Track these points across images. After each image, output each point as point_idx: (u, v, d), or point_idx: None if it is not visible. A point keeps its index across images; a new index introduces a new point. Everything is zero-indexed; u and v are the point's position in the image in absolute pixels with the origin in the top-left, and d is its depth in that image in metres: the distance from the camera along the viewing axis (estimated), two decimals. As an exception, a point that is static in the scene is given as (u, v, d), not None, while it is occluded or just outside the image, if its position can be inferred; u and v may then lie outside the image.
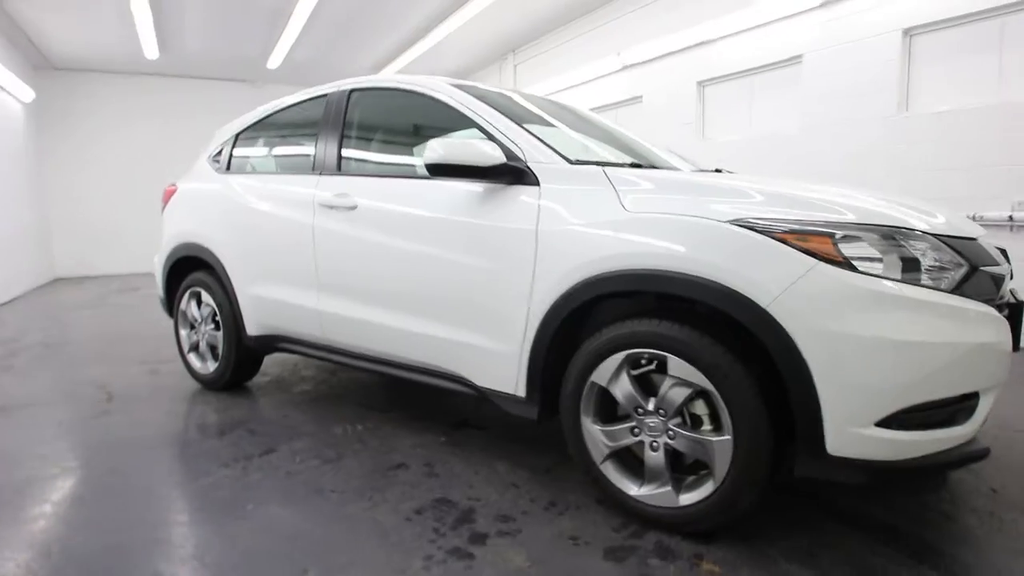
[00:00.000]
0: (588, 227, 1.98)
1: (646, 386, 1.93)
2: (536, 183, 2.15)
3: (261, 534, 1.94)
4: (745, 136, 6.09)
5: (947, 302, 1.66)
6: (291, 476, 2.37)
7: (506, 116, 2.37)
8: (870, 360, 1.59)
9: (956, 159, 4.43)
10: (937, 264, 1.70)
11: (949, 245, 1.72)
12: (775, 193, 1.82)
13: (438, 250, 2.35)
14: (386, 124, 2.97)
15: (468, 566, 1.76)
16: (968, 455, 1.74)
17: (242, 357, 3.38)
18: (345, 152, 2.84)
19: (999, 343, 1.73)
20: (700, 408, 1.85)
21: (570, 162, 2.16)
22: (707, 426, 1.84)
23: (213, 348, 3.49)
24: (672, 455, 1.90)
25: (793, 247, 1.66)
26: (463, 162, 2.15)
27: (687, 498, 1.87)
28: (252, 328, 3.20)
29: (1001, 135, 4.15)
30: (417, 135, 2.89)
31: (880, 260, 1.65)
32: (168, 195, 3.77)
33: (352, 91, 2.91)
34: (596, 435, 2.02)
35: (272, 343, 3.18)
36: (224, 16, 7.85)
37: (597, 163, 2.16)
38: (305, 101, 3.17)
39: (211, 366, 3.49)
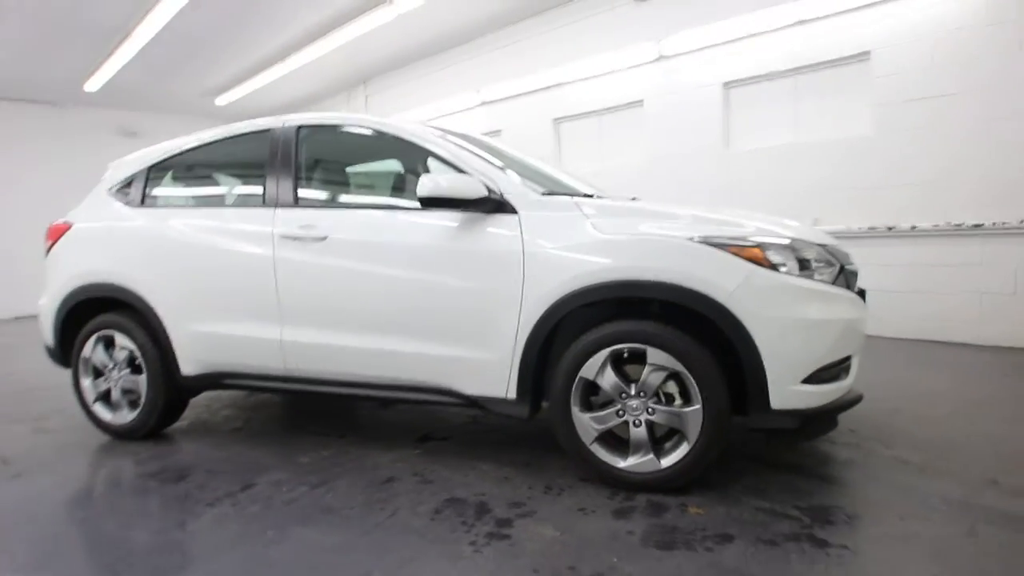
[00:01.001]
0: (570, 248, 2.38)
1: (623, 376, 2.36)
2: (514, 211, 2.49)
3: (304, 552, 2.01)
4: (598, 167, 6.95)
5: (832, 291, 2.32)
6: (291, 503, 2.40)
7: (473, 153, 2.68)
8: (795, 334, 2.19)
9: (764, 185, 5.59)
10: (822, 264, 2.36)
11: (826, 250, 2.40)
12: (715, 219, 2.38)
13: (423, 274, 2.57)
14: (345, 159, 3.10)
15: (511, 543, 2.02)
16: (852, 400, 2.42)
17: (171, 399, 3.20)
18: (302, 186, 2.92)
19: (863, 319, 2.44)
20: (671, 387, 2.32)
21: (541, 193, 2.55)
22: (678, 401, 2.32)
23: (130, 394, 3.24)
24: (650, 428, 2.34)
25: (739, 257, 2.21)
26: (453, 195, 2.43)
27: (667, 461, 2.32)
28: (189, 367, 3.07)
29: (796, 167, 5.36)
30: (383, 170, 3.07)
31: (786, 264, 2.26)
32: (57, 232, 3.42)
33: (300, 127, 3.00)
34: (586, 422, 2.40)
35: (212, 381, 3.08)
36: (44, 34, 6.99)
37: (566, 194, 2.57)
38: (240, 136, 3.16)
39: (128, 414, 3.23)
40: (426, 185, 2.42)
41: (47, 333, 3.44)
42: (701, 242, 2.25)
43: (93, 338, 3.27)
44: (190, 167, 3.33)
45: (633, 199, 3.24)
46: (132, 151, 3.55)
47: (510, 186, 2.55)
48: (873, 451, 2.72)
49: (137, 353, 3.15)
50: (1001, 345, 4.52)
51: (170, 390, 3.18)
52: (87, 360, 3.30)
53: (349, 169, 3.14)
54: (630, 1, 6.25)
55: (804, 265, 2.30)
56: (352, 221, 2.76)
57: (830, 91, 5.14)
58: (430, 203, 2.46)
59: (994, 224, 4.32)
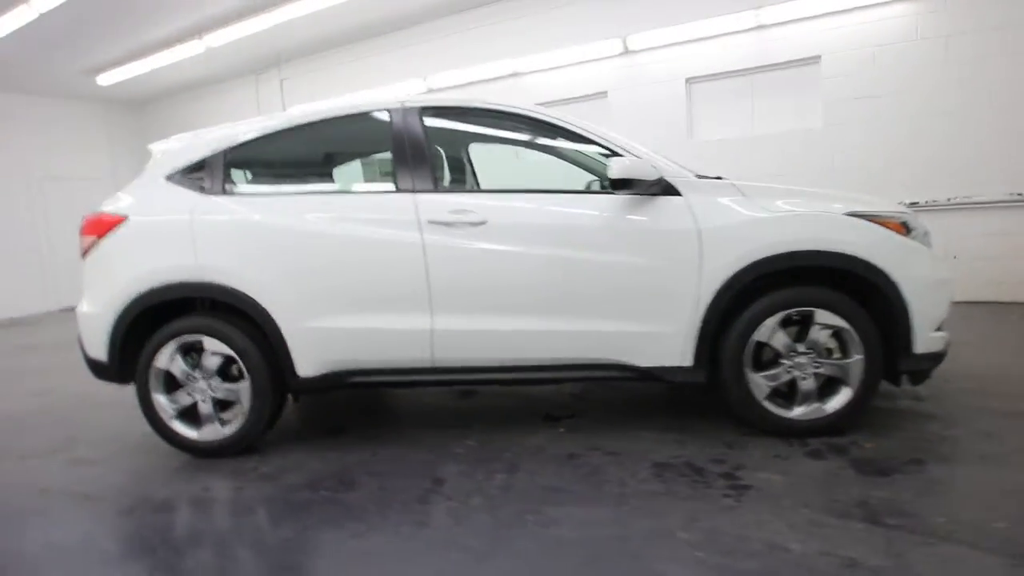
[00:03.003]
0: (743, 224, 2.61)
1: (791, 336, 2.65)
2: (678, 193, 2.66)
3: (583, 529, 2.04)
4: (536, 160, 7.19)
5: (938, 254, 2.80)
6: (508, 489, 2.37)
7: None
8: (931, 290, 2.62)
9: (727, 172, 6.20)
10: (923, 233, 2.83)
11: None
12: (842, 196, 2.74)
13: (596, 255, 2.65)
14: (474, 142, 3.00)
15: (758, 490, 2.22)
16: (948, 348, 2.92)
17: (278, 406, 2.91)
18: (440, 171, 2.81)
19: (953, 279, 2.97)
20: (832, 343, 2.66)
21: (696, 176, 2.74)
22: (837, 354, 2.66)
23: (226, 406, 2.89)
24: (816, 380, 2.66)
25: (887, 227, 2.60)
26: (638, 177, 2.55)
27: (831, 407, 2.65)
28: (308, 368, 2.81)
29: (754, 156, 6.05)
30: (526, 153, 3.02)
31: (914, 232, 2.69)
32: (104, 227, 2.90)
33: (425, 109, 2.87)
34: (759, 380, 2.65)
35: (335, 381, 2.86)
36: None
37: (717, 177, 2.78)
38: (342, 118, 2.94)
39: (222, 428, 2.87)
40: (618, 167, 2.52)
41: (96, 345, 2.92)
42: (853, 215, 2.60)
43: (171, 346, 2.85)
44: (280, 151, 3.01)
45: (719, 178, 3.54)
46: None
47: (669, 168, 2.71)
48: (941, 392, 3.30)
49: (236, 358, 2.82)
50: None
51: (278, 396, 2.89)
52: (161, 372, 2.87)
53: (490, 154, 3.06)
54: (592, -3, 6.55)
55: (918, 233, 2.75)
56: (515, 205, 2.73)
57: (784, 89, 5.87)
58: (618, 185, 2.55)
59: (926, 202, 5.29)
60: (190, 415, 2.92)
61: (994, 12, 4.86)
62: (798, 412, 2.67)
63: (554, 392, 3.57)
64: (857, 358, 2.61)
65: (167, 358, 2.86)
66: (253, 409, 2.85)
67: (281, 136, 2.99)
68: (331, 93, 8.48)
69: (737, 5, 5.77)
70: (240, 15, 7.08)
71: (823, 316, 2.60)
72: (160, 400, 2.90)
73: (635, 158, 2.61)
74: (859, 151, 5.50)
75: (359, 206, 2.80)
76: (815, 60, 5.63)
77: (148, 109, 10.91)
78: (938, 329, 2.68)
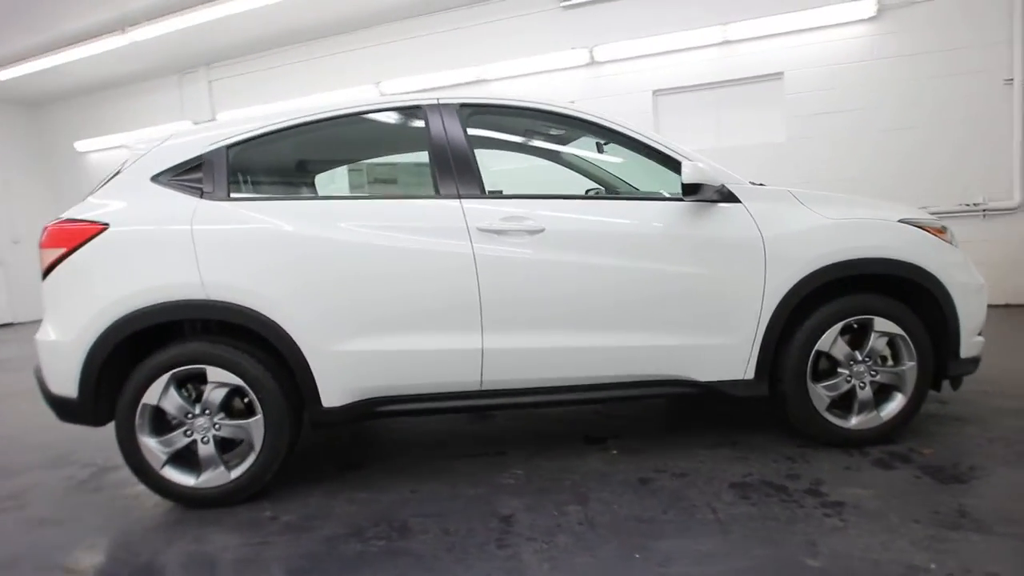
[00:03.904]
0: (806, 232, 2.54)
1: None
2: (737, 200, 2.56)
3: (689, 565, 1.85)
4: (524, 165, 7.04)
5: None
6: (594, 524, 2.14)
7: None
8: (975, 296, 2.67)
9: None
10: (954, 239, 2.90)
11: None
12: (888, 205, 2.76)
13: (659, 264, 2.49)
14: (524, 144, 2.76)
15: (855, 506, 2.13)
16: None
17: (293, 444, 2.52)
18: (488, 174, 2.55)
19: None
20: (886, 351, 2.64)
21: (752, 183, 2.66)
22: (890, 362, 2.65)
23: (228, 446, 2.47)
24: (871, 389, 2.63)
25: (936, 235, 2.63)
26: (707, 182, 2.43)
27: (886, 414, 2.63)
28: (335, 397, 2.45)
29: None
30: (569, 154, 2.80)
31: (953, 240, 2.75)
32: (76, 238, 2.41)
33: (463, 106, 2.61)
34: (819, 391, 2.59)
35: (364, 410, 2.51)
36: None
37: (771, 186, 2.71)
38: (365, 114, 2.62)
39: (226, 473, 2.44)
40: (691, 171, 2.39)
41: (63, 380, 2.42)
42: (906, 223, 2.62)
43: (164, 378, 2.40)
44: (294, 150, 2.64)
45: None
46: None
47: (726, 174, 2.61)
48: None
49: (248, 390, 2.42)
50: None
51: (296, 432, 2.51)
52: (149, 410, 2.41)
53: (536, 156, 2.82)
54: (556, 7, 6.48)
55: (954, 240, 2.81)
56: (574, 212, 2.52)
57: (749, 103, 6.05)
58: (689, 191, 2.42)
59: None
60: (184, 459, 2.48)
61: (945, 35, 5.25)
62: (855, 421, 2.63)
63: (575, 409, 3.38)
64: (911, 364, 2.61)
65: (158, 392, 2.40)
66: (267, 447, 2.44)
67: (294, 133, 2.62)
68: (268, 98, 7.91)
69: (704, 20, 5.90)
70: (167, 9, 6.45)
71: (882, 324, 2.58)
72: (149, 444, 2.42)
73: (702, 163, 2.49)
74: (824, 165, 5.75)
75: (398, 213, 2.48)
76: (778, 76, 5.85)
77: (48, 109, 9.72)
78: (979, 334, 2.74)
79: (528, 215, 2.47)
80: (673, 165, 2.58)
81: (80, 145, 9.31)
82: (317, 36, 7.56)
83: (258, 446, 2.44)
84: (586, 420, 3.25)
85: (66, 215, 2.49)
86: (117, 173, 2.61)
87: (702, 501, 2.25)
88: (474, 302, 2.44)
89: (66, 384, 2.42)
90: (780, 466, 2.51)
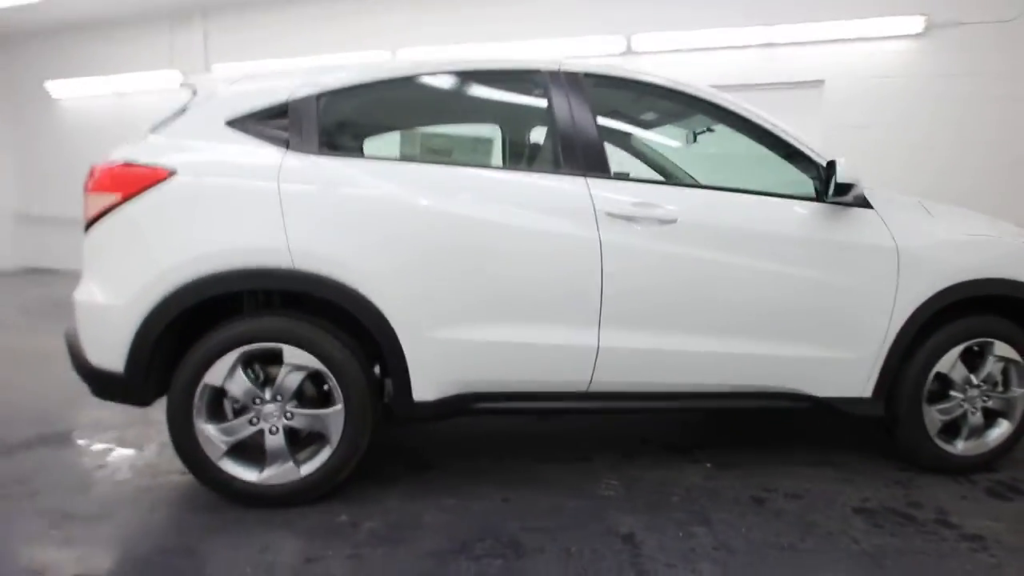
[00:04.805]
0: (939, 245, 2.39)
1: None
2: (870, 206, 2.38)
3: None
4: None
5: None
6: (723, 565, 1.92)
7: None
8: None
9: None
10: None
11: None
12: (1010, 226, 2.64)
13: (793, 269, 2.29)
14: (651, 124, 2.49)
15: (996, 540, 1.99)
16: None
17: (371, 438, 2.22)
18: (613, 152, 2.29)
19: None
20: (999, 376, 2.52)
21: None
22: (1000, 388, 2.53)
23: (300, 438, 2.15)
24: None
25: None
26: (852, 181, 2.23)
27: (991, 440, 2.51)
28: (429, 390, 2.16)
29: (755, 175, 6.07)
30: (703, 141, 2.55)
31: None
32: (135, 184, 2.03)
33: (586, 75, 2.34)
34: (933, 415, 2.45)
35: (457, 407, 2.23)
36: None
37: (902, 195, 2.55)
38: (475, 73, 2.32)
39: (295, 469, 2.12)
40: (847, 170, 2.19)
41: (109, 350, 2.05)
42: (1025, 241, 2.51)
43: (233, 355, 2.05)
44: (396, 107, 2.31)
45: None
46: None
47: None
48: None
49: (329, 375, 2.09)
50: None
51: (376, 424, 2.20)
52: (209, 391, 2.06)
53: (664, 139, 2.56)
54: (595, -9, 6.22)
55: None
56: (709, 202, 2.28)
57: (788, 109, 5.92)
58: (840, 191, 2.22)
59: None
60: (243, 451, 2.14)
61: (990, 58, 5.25)
62: (962, 447, 2.50)
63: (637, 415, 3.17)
64: (1021, 392, 2.50)
65: (223, 372, 2.06)
66: (345, 441, 2.14)
67: (393, 86, 2.29)
68: (272, 55, 7.35)
69: (745, 20, 5.75)
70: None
71: (1001, 348, 2.45)
72: (207, 431, 2.08)
73: (845, 161, 2.28)
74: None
75: (516, 187, 2.19)
76: (819, 84, 5.76)
77: (19, 45, 8.81)
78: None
79: (659, 202, 2.22)
80: (803, 163, 2.38)
81: (53, 87, 8.47)
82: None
83: (335, 440, 2.13)
84: (653, 426, 3.03)
85: (122, 156, 2.10)
86: (182, 112, 2.22)
87: (835, 528, 2.07)
88: (595, 294, 2.18)
89: (111, 356, 2.05)
90: (893, 491, 2.36)
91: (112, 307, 2.03)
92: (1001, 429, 2.52)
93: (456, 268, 2.12)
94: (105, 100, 8.40)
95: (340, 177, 2.11)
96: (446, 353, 2.15)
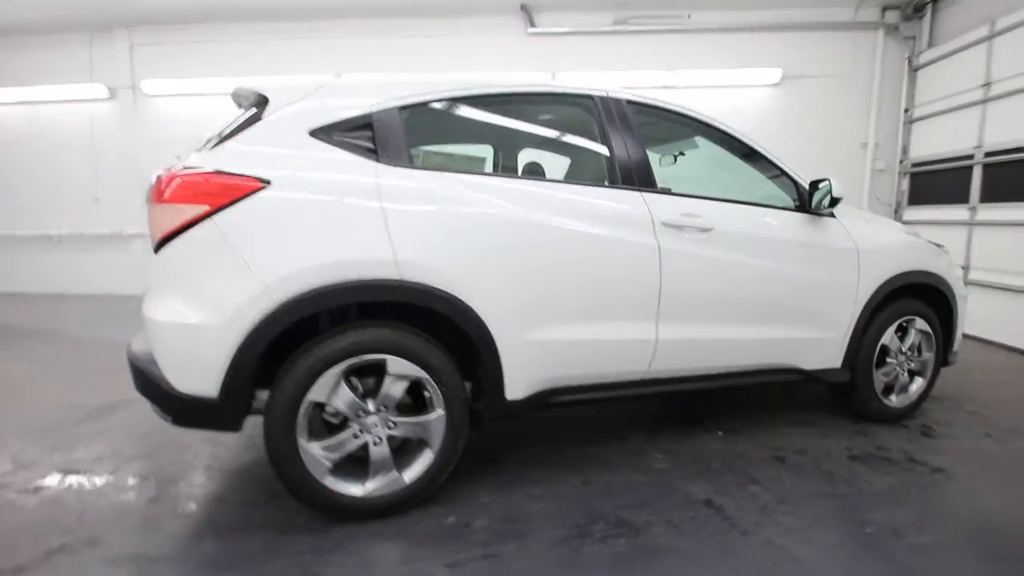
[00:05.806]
0: (882, 247, 2.67)
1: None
2: (832, 215, 2.61)
3: (919, 534, 1.81)
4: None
5: None
6: (812, 517, 1.98)
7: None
8: (964, 303, 2.98)
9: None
10: None
11: None
12: (894, 223, 3.01)
13: (793, 267, 2.44)
14: (675, 145, 2.47)
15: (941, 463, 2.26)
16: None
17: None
18: (656, 170, 2.26)
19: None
20: (917, 341, 2.86)
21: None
22: (916, 353, 2.88)
23: (399, 446, 1.89)
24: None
25: (942, 250, 2.92)
26: (837, 196, 2.42)
27: (912, 393, 2.85)
28: (520, 389, 2.01)
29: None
30: (710, 161, 2.57)
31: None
32: (226, 195, 1.66)
33: (629, 102, 2.30)
34: (879, 377, 2.73)
35: (540, 402, 2.09)
36: None
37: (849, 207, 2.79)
38: (554, 96, 2.23)
39: (397, 478, 1.86)
40: (836, 187, 2.37)
41: (203, 375, 1.67)
42: (931, 243, 2.88)
43: (336, 370, 1.76)
44: (462, 122, 2.10)
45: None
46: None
47: (821, 193, 2.64)
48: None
49: (430, 383, 1.87)
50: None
51: (469, 427, 2.00)
52: (310, 408, 1.75)
53: (688, 158, 2.54)
54: (524, 33, 6.19)
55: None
56: (734, 214, 2.34)
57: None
58: (832, 203, 2.38)
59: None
60: (342, 466, 1.84)
61: (831, 103, 5.98)
62: (895, 401, 2.82)
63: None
64: (930, 355, 2.87)
65: (328, 387, 1.76)
66: (446, 446, 1.92)
67: (466, 103, 2.09)
68: (202, 73, 6.47)
69: (655, 64, 6.03)
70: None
71: (919, 323, 2.80)
72: (312, 449, 1.76)
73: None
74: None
75: (588, 200, 2.09)
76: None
77: None
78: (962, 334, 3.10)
79: (699, 213, 2.25)
80: (784, 181, 2.55)
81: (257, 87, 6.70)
82: (277, 18, 6.34)
83: (436, 445, 1.91)
84: (660, 404, 3.07)
85: (205, 164, 1.70)
86: (254, 120, 1.85)
87: (847, 475, 2.23)
88: (654, 293, 2.16)
89: (203, 380, 1.66)
90: (862, 440, 2.59)
91: (206, 327, 1.64)
92: (917, 385, 2.87)
93: (545, 275, 1.99)
94: (13, 109, 6.89)
95: (441, 191, 1.88)
96: (536, 354, 2.01)
